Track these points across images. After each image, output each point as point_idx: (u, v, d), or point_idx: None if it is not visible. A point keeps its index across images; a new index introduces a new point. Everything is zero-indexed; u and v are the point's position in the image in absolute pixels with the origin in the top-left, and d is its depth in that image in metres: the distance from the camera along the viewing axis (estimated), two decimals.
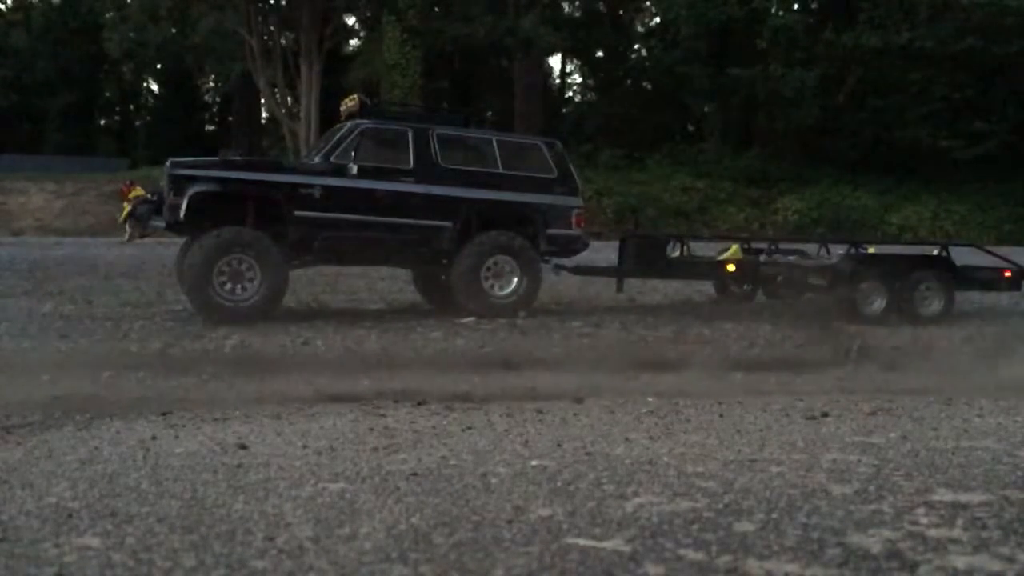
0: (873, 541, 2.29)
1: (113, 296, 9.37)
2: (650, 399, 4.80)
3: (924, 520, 2.47)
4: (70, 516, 2.51)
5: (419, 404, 4.66)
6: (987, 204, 30.96)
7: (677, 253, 9.49)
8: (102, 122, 46.32)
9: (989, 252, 9.75)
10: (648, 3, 41.66)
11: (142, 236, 19.15)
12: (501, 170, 8.45)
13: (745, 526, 2.42)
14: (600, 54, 42.52)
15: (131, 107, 47.75)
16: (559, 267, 9.07)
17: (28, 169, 29.99)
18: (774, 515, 2.52)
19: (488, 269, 8.20)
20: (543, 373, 5.83)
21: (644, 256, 9.11)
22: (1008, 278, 9.12)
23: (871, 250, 9.37)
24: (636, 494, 2.75)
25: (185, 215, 7.40)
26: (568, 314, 8.53)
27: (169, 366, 5.91)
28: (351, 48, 40.45)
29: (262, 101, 36.54)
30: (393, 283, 10.78)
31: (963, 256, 9.47)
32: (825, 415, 4.23)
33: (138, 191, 19.89)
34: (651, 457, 3.28)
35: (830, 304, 8.66)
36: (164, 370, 5.74)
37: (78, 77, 39.46)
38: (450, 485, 2.87)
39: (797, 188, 31.35)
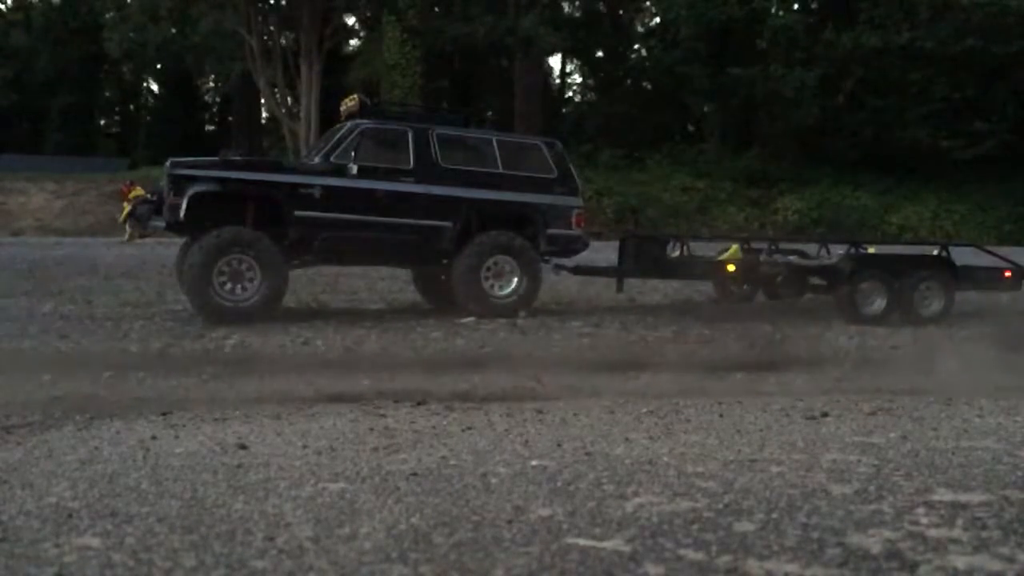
0: (873, 541, 2.29)
1: (113, 296, 9.37)
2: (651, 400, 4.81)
3: (924, 520, 2.47)
4: (70, 516, 2.51)
5: (419, 404, 4.66)
6: (987, 204, 30.96)
7: (677, 253, 9.49)
8: (102, 122, 46.33)
9: (989, 252, 9.75)
10: (648, 3, 41.67)
11: (142, 236, 19.15)
12: (501, 170, 8.45)
13: (745, 526, 2.42)
14: (600, 54, 42.52)
15: (131, 107, 47.76)
16: (559, 267, 9.08)
17: (28, 169, 29.99)
18: (774, 515, 2.52)
19: (488, 269, 8.20)
20: (542, 373, 5.83)
21: (644, 256, 9.10)
22: (1008, 278, 9.12)
23: (871, 250, 9.37)
24: (636, 494, 2.75)
25: (185, 215, 7.40)
26: (568, 314, 8.53)
27: (169, 366, 5.91)
28: (351, 48, 40.45)
29: (262, 101, 36.56)
30: (393, 283, 10.79)
31: (963, 256, 9.46)
32: (825, 415, 4.23)
33: (138, 191, 19.88)
34: (651, 457, 3.28)
35: (830, 304, 8.67)
36: (164, 370, 5.74)
37: (78, 77, 39.46)
38: (450, 485, 2.86)
39: (797, 188, 31.35)
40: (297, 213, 7.72)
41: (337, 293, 10.06)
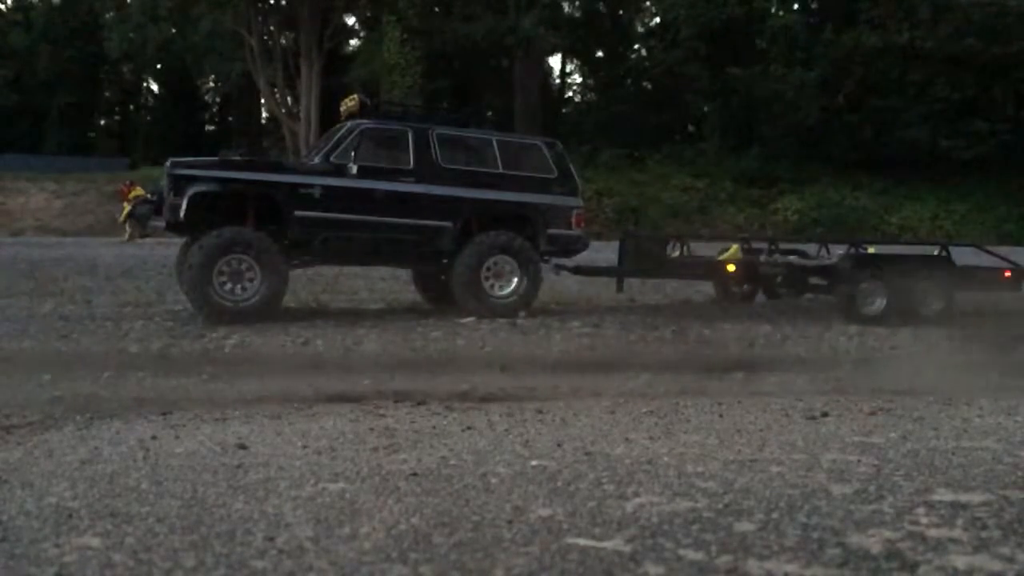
0: (873, 541, 2.29)
1: (113, 296, 9.37)
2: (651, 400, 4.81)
3: (924, 520, 2.47)
4: (70, 516, 2.51)
5: (419, 404, 4.66)
6: (987, 204, 30.96)
7: (677, 253, 9.49)
8: (102, 122, 46.32)
9: (989, 252, 9.75)
10: (648, 3, 41.67)
11: (142, 236, 19.15)
12: (501, 170, 8.45)
13: (745, 526, 2.42)
14: (600, 54, 42.54)
15: (131, 107, 47.76)
16: (559, 267, 9.07)
17: (28, 169, 29.98)
18: (774, 515, 2.52)
19: (488, 269, 8.20)
20: (543, 373, 5.84)
21: (644, 256, 9.11)
22: (1008, 278, 9.12)
23: (871, 250, 9.38)
24: (636, 494, 2.75)
25: (185, 215, 7.40)
26: (568, 314, 8.53)
27: (169, 366, 5.91)
28: (351, 48, 40.46)
29: (262, 101, 36.59)
30: (393, 283, 10.79)
31: (963, 256, 9.47)
32: (825, 415, 4.23)
33: (138, 191, 19.89)
34: (651, 457, 3.28)
35: (830, 304, 8.67)
36: (164, 370, 5.74)
37: (78, 77, 39.47)
38: (450, 485, 2.86)
39: (797, 188, 31.35)
40: (297, 213, 7.72)
41: (337, 293, 10.06)
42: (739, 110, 34.71)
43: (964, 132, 31.01)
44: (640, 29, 43.21)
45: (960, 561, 2.15)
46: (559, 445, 3.51)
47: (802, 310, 8.92)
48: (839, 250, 9.23)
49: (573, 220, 8.71)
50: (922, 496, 2.72)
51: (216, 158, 8.09)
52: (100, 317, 7.88)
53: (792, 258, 9.37)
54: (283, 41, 32.63)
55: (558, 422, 4.06)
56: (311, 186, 7.78)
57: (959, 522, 2.45)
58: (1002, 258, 9.40)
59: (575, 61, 45.40)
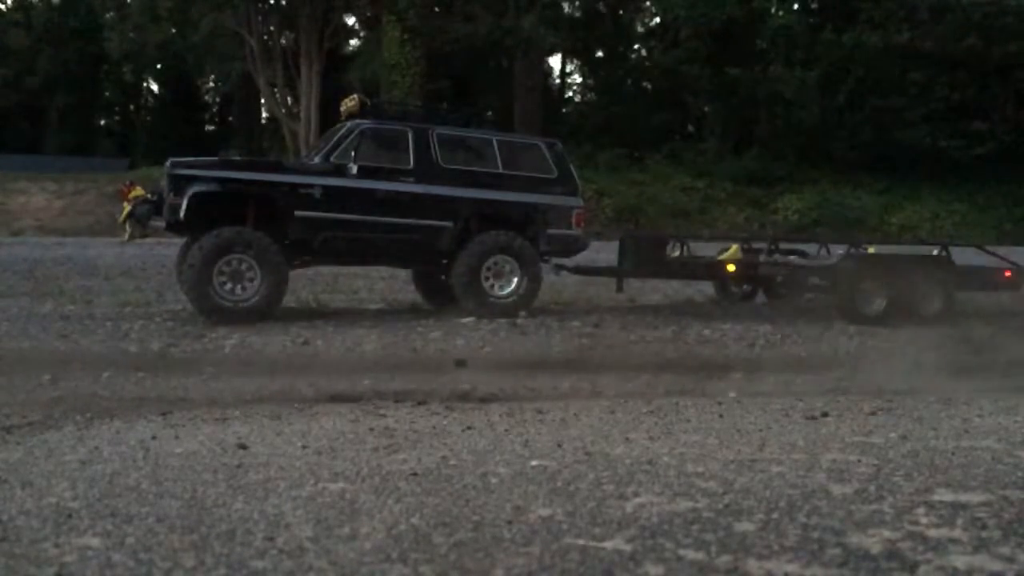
0: (873, 541, 2.29)
1: (113, 296, 9.37)
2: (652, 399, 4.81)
3: (924, 520, 2.47)
4: (70, 516, 2.51)
5: (419, 404, 4.66)
6: (987, 204, 30.98)
7: (677, 253, 9.49)
8: (102, 122, 46.32)
9: (989, 252, 9.75)
10: (648, 3, 41.66)
11: (142, 236, 19.14)
12: (501, 170, 8.45)
13: (745, 526, 2.42)
14: (600, 54, 42.52)
15: (131, 107, 47.77)
16: (559, 267, 9.07)
17: (28, 169, 30.00)
18: (774, 515, 2.52)
19: (488, 269, 8.20)
20: (543, 373, 5.84)
21: (644, 256, 9.11)
22: (1008, 278, 9.12)
23: (871, 250, 9.37)
24: (636, 494, 2.75)
25: (185, 215, 7.40)
26: (568, 314, 8.53)
27: (169, 366, 5.91)
28: (351, 48, 40.45)
29: (262, 101, 36.59)
30: (393, 283, 10.79)
31: (963, 256, 9.47)
32: (825, 415, 4.23)
33: (138, 191, 19.88)
34: (651, 457, 3.28)
35: (830, 304, 8.67)
36: (164, 370, 5.75)
37: (78, 77, 39.47)
38: (450, 485, 2.86)
39: (797, 188, 31.35)
40: (297, 213, 7.72)
41: (337, 293, 10.06)
42: (739, 110, 34.73)
43: (964, 132, 31.03)
44: (640, 29, 43.21)
45: (960, 561, 2.15)
46: (559, 445, 3.50)
47: (802, 310, 8.92)
48: (839, 250, 9.23)
49: (573, 220, 8.71)
50: (922, 496, 2.72)
51: (216, 158, 8.09)
52: (100, 317, 7.88)
53: (792, 258, 9.37)
54: (283, 41, 32.65)
55: (558, 422, 4.06)
56: (311, 186, 7.78)
57: (959, 522, 2.45)
58: (1002, 258, 9.40)
59: (575, 61, 45.40)
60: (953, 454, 3.34)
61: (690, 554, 2.20)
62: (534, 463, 3.18)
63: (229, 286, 7.40)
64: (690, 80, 34.10)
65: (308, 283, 10.08)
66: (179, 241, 8.71)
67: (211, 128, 47.02)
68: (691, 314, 8.74)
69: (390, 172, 8.09)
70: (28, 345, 6.57)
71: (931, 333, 7.72)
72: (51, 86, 38.35)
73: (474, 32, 30.33)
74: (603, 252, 10.19)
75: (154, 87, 47.21)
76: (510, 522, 2.46)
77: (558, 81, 45.96)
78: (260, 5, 30.82)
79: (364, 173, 7.93)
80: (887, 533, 2.35)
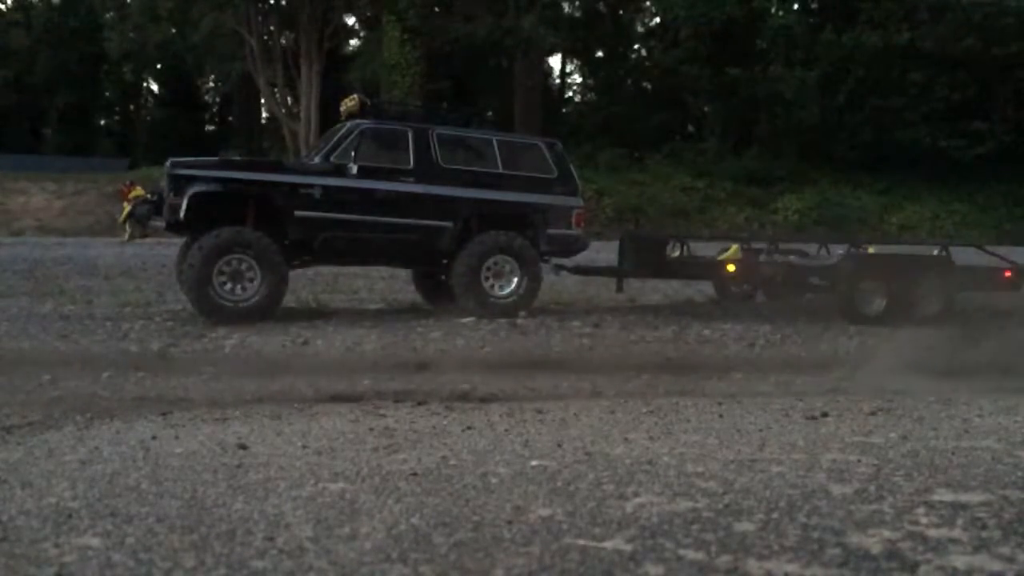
0: (873, 541, 2.29)
1: (113, 296, 9.37)
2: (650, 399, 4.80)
3: (924, 520, 2.47)
4: (70, 516, 2.51)
5: (419, 404, 4.66)
6: (987, 204, 30.98)
7: (677, 253, 9.49)
8: (102, 122, 46.33)
9: (989, 252, 9.74)
10: (648, 3, 41.65)
11: (142, 236, 19.15)
12: (501, 170, 8.46)
13: (745, 526, 2.42)
14: (600, 54, 42.51)
15: (131, 107, 47.77)
16: (559, 267, 9.07)
17: (28, 169, 30.00)
18: (774, 515, 2.52)
19: (488, 269, 8.21)
20: (543, 373, 5.83)
21: (644, 256, 9.10)
22: (1008, 278, 9.12)
23: (871, 250, 9.37)
24: (636, 494, 2.75)
25: (185, 215, 7.40)
26: (568, 314, 8.53)
27: (169, 366, 5.91)
28: (351, 48, 40.45)
29: (262, 101, 36.60)
30: (393, 283, 10.79)
31: (963, 256, 9.46)
32: (825, 415, 4.23)
33: (138, 191, 19.89)
34: (651, 457, 3.28)
35: (830, 304, 8.66)
36: (164, 370, 5.74)
37: (78, 77, 39.47)
38: (450, 485, 2.86)
39: (797, 188, 31.34)
40: (297, 213, 7.73)
41: (337, 293, 10.06)
42: (739, 110, 34.72)
43: (964, 132, 31.02)
44: (640, 29, 43.20)
45: (960, 561, 2.15)
46: (559, 445, 3.50)
47: (802, 310, 8.92)
48: (839, 250, 9.23)
49: (573, 220, 8.71)
50: (922, 496, 2.72)
51: (216, 158, 8.10)
52: (100, 317, 7.88)
53: (792, 258, 9.37)
54: (283, 41, 32.65)
55: (558, 422, 4.06)
56: (311, 186, 7.78)
57: (959, 522, 2.45)
58: (1002, 258, 9.39)
59: (575, 61, 45.39)
60: (953, 454, 3.33)
61: (690, 554, 2.20)
62: (534, 463, 3.18)
63: (229, 286, 7.40)
64: (690, 80, 34.08)
65: (308, 283, 10.08)
66: (179, 241, 8.71)
67: (211, 128, 47.03)
68: (691, 314, 8.74)
69: (390, 172, 8.09)
70: (28, 345, 6.57)
71: (931, 333, 7.73)
72: (51, 86, 38.36)
73: (474, 32, 30.32)
74: (603, 252, 10.19)
75: (154, 87, 47.28)
76: (510, 522, 2.46)
77: (558, 81, 45.97)
78: (260, 5, 30.83)
79: (364, 173, 7.93)
80: (887, 533, 2.35)
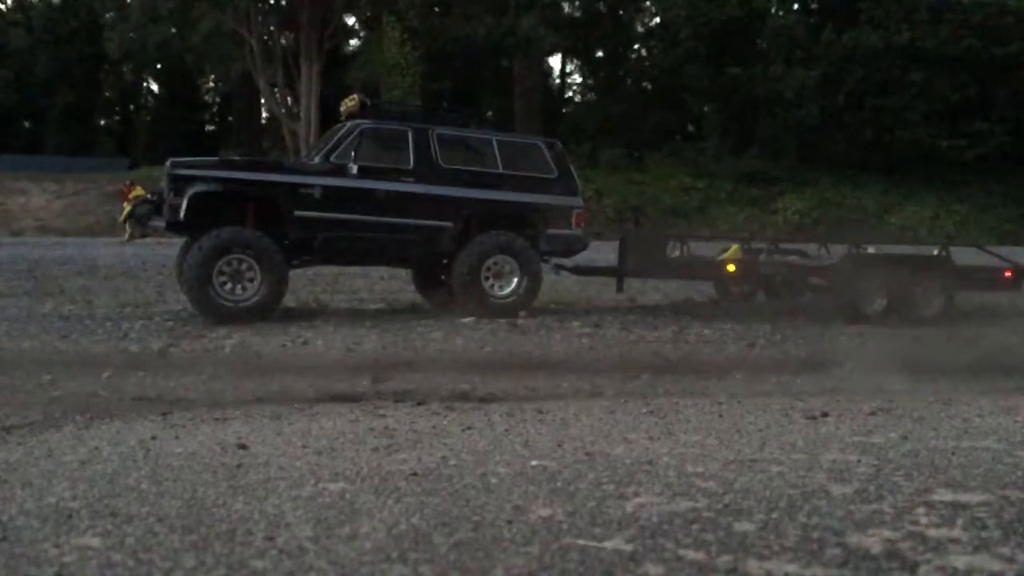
0: (873, 541, 2.29)
1: (113, 296, 9.37)
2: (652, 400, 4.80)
3: (924, 520, 2.47)
4: (70, 516, 2.51)
5: (419, 404, 4.66)
6: (987, 204, 31.00)
7: (677, 253, 9.49)
8: (102, 122, 46.33)
9: (989, 252, 9.74)
10: (648, 3, 41.67)
11: (142, 236, 19.14)
12: (501, 170, 8.45)
13: (745, 526, 2.42)
14: (600, 54, 42.54)
15: (131, 107, 47.77)
16: (559, 267, 9.07)
17: (28, 169, 30.00)
18: (774, 515, 2.52)
19: (488, 269, 8.20)
20: (543, 373, 5.83)
21: (644, 256, 9.10)
22: (1008, 278, 9.12)
23: (871, 250, 9.37)
24: (636, 494, 2.75)
25: (185, 215, 7.40)
26: (568, 314, 8.53)
27: (169, 366, 5.91)
28: (351, 48, 40.45)
29: (262, 101, 36.59)
30: (393, 283, 10.78)
31: (963, 256, 9.46)
32: (825, 415, 4.23)
33: (138, 191, 19.86)
34: (651, 457, 3.28)
35: (830, 304, 8.66)
36: (164, 370, 5.74)
37: (78, 77, 39.47)
38: (450, 485, 2.86)
39: (797, 188, 31.37)
40: (297, 213, 7.72)
41: (337, 293, 10.06)
42: (739, 110, 34.77)
43: (964, 132, 31.05)
44: (640, 29, 43.22)
45: (960, 561, 2.15)
46: (559, 445, 3.50)
47: (802, 310, 8.92)
48: (839, 250, 9.23)
49: (573, 220, 8.71)
50: (922, 496, 2.72)
51: (216, 158, 8.09)
52: (100, 317, 7.88)
53: (792, 258, 9.37)
54: (283, 41, 32.64)
55: (558, 422, 4.06)
56: (311, 186, 7.78)
57: (959, 522, 2.45)
58: (1002, 258, 9.39)
59: (575, 61, 45.42)
60: (953, 454, 3.33)
61: (690, 554, 2.20)
62: (534, 463, 3.18)
63: (229, 286, 7.40)
64: (690, 80, 34.10)
65: (308, 283, 10.08)
66: (179, 241, 8.71)
67: (211, 128, 47.04)
68: (691, 314, 8.74)
69: (390, 172, 8.08)
70: (28, 345, 6.57)
71: (931, 333, 7.73)
72: (51, 86, 38.34)
73: (474, 32, 30.34)
74: (603, 252, 10.19)
75: (154, 87, 47.27)
76: (510, 522, 2.46)
77: (558, 81, 46.00)
78: (260, 5, 30.82)
79: (364, 173, 7.93)
80: (887, 533, 2.35)
